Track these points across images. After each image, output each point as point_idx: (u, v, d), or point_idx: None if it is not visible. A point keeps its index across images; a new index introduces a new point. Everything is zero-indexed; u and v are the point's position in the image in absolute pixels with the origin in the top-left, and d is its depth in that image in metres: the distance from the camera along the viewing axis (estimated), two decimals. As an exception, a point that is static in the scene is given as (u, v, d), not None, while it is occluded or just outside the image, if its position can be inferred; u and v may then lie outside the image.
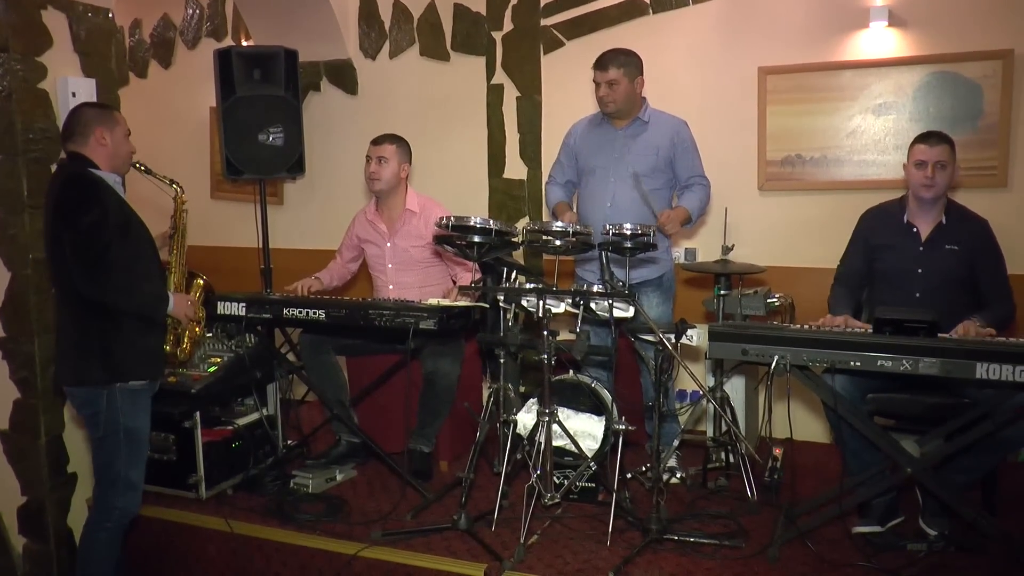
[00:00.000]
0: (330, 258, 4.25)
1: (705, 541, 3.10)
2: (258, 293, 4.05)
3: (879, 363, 2.73)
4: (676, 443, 3.68)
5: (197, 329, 3.39)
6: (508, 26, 4.76)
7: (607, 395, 3.40)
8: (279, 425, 4.02)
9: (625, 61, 3.64)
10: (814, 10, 4.16)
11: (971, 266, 3.25)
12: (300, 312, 3.55)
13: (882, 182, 4.05)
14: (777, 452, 3.60)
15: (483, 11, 4.80)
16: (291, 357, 4.14)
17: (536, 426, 3.16)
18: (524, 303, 3.19)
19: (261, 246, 4.83)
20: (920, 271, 3.28)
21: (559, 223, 3.17)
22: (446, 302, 3.48)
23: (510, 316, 3.28)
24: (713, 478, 3.65)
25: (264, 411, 3.91)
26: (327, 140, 5.27)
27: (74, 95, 3.48)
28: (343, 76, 5.20)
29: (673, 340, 3.17)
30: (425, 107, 5.01)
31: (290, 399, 4.25)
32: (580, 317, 3.16)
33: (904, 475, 2.91)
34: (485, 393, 3.98)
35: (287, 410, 4.14)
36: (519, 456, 3.28)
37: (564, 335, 3.30)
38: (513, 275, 3.30)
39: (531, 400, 3.38)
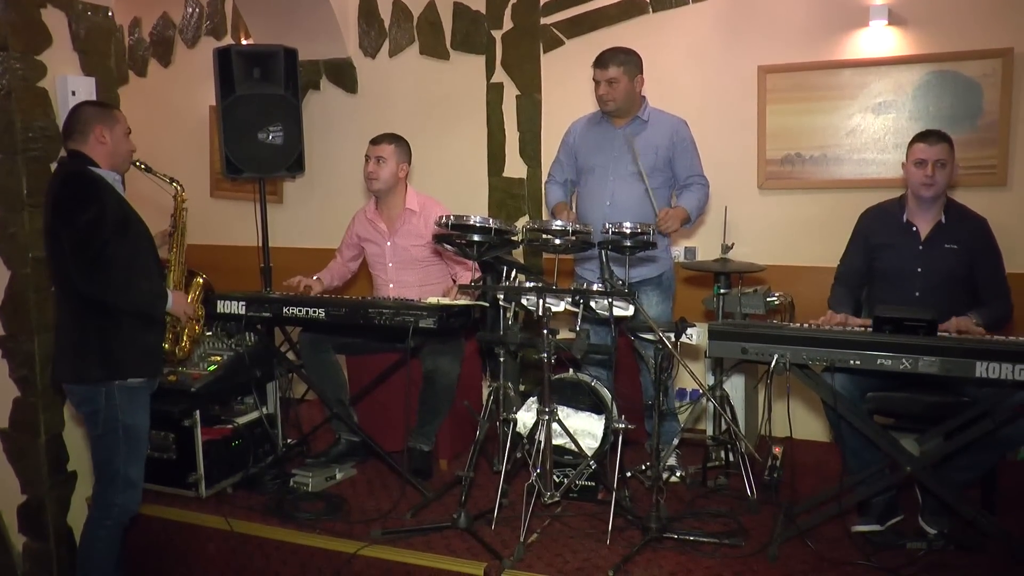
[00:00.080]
0: (330, 257, 4.25)
1: (705, 540, 3.10)
2: (258, 292, 4.05)
3: (879, 362, 2.73)
4: (676, 442, 3.68)
5: (196, 328, 3.40)
6: (508, 25, 4.76)
7: (607, 394, 3.40)
8: (279, 424, 4.02)
9: (625, 60, 3.64)
10: (814, 9, 4.16)
11: (970, 265, 3.25)
12: (300, 311, 3.55)
13: (882, 181, 4.06)
14: (777, 451, 3.60)
15: (483, 10, 4.80)
16: (291, 356, 4.14)
17: (536, 425, 3.16)
18: (524, 302, 3.19)
19: (261, 245, 4.83)
20: (919, 270, 3.29)
21: (558, 221, 3.17)
22: (446, 301, 3.48)
23: (510, 315, 3.28)
24: (713, 477, 3.65)
25: (264, 410, 3.91)
26: (327, 139, 5.27)
27: (73, 94, 3.48)
28: (343, 75, 5.20)
29: (673, 339, 3.17)
30: (425, 106, 5.01)
31: (290, 398, 4.25)
32: (580, 316, 3.16)
33: (903, 473, 2.91)
34: (485, 392, 3.98)
35: (287, 409, 4.13)
36: (519, 455, 3.28)
37: (564, 334, 3.30)
38: (513, 274, 3.30)
39: (531, 399, 3.38)
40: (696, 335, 3.26)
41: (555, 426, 3.13)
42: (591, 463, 3.27)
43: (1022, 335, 2.82)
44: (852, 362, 2.77)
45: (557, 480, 3.25)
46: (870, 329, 2.89)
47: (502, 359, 3.28)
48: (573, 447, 3.26)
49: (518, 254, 4.26)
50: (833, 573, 2.89)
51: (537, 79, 4.75)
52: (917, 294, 3.28)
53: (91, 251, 2.82)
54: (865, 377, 3.11)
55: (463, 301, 3.49)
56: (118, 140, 3.00)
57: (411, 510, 3.43)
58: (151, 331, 3.09)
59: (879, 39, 4.06)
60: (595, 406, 3.43)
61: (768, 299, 3.56)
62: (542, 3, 4.67)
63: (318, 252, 4.69)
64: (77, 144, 2.95)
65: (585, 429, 3.37)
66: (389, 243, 4.01)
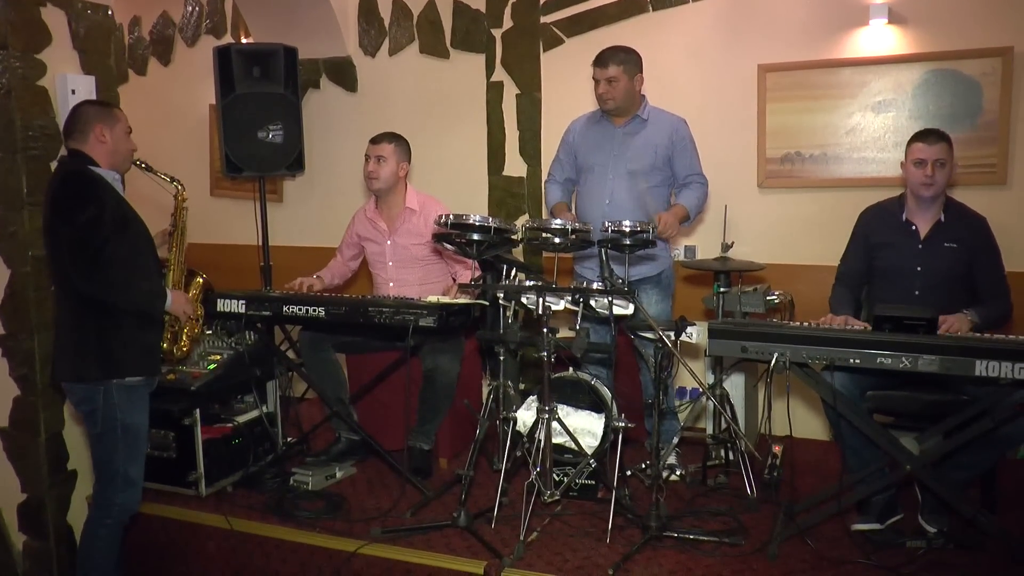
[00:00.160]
0: (330, 255, 4.25)
1: (704, 538, 3.10)
2: (258, 290, 4.05)
3: (878, 360, 2.73)
4: (676, 440, 3.68)
5: (196, 327, 3.39)
6: (508, 23, 4.76)
7: (607, 392, 3.40)
8: (279, 422, 4.02)
9: (625, 58, 3.63)
10: (814, 8, 4.16)
11: (970, 263, 3.26)
12: (300, 309, 3.55)
13: (881, 179, 4.06)
14: (776, 449, 3.60)
15: (483, 8, 4.80)
16: (291, 354, 4.14)
17: (536, 423, 3.16)
18: (524, 300, 3.19)
19: (261, 243, 4.83)
20: (919, 269, 3.29)
21: (557, 220, 3.17)
22: (446, 299, 3.48)
23: (510, 313, 3.28)
24: (713, 475, 3.65)
25: (264, 408, 3.91)
26: (326, 137, 5.27)
27: (73, 92, 3.48)
28: (343, 73, 5.20)
29: (673, 337, 3.17)
30: (425, 104, 5.01)
31: (290, 396, 4.25)
32: (580, 314, 3.16)
33: (903, 472, 2.91)
34: (485, 390, 3.98)
35: (287, 407, 4.13)
36: (519, 453, 3.28)
37: (563, 332, 3.30)
38: (513, 272, 3.30)
39: (531, 397, 3.38)
40: (696, 334, 3.26)
41: (555, 425, 3.13)
42: (591, 462, 3.27)
43: (1022, 334, 2.82)
44: (852, 361, 2.77)
45: (557, 479, 3.25)
46: (870, 328, 2.89)
47: (502, 358, 3.28)
48: (573, 446, 3.26)
49: (518, 253, 4.25)
50: (833, 572, 2.90)
51: (537, 78, 4.74)
52: (917, 293, 3.28)
53: (90, 250, 2.83)
54: (865, 376, 3.11)
55: (463, 300, 3.49)
56: (118, 139, 3.01)
57: (411, 509, 3.43)
58: (150, 330, 3.09)
59: (879, 38, 4.06)
60: (595, 405, 3.43)
61: (768, 298, 3.56)
62: (542, 2, 4.67)
63: (318, 251, 4.69)
64: (77, 143, 2.96)
65: (585, 428, 3.37)
66: (389, 242, 4.01)
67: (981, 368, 2.61)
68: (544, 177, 4.19)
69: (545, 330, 3.06)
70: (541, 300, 3.08)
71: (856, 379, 3.13)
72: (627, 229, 3.08)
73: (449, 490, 3.61)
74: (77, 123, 2.96)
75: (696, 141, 3.79)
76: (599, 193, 3.72)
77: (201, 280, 3.47)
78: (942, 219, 3.29)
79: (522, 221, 4.01)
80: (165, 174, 3.29)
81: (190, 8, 5.60)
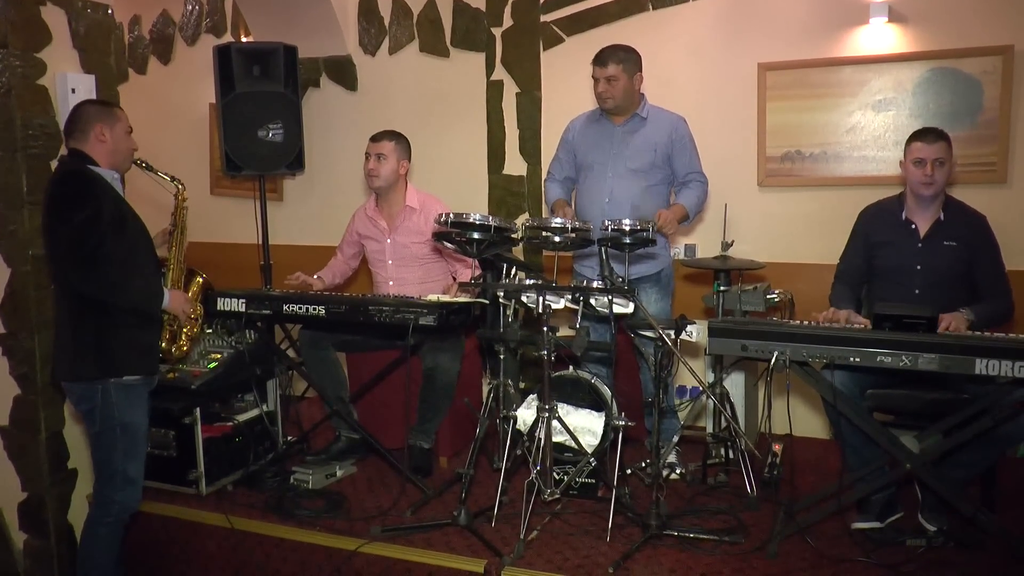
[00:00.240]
0: (330, 254, 4.25)
1: (705, 537, 3.10)
2: (258, 289, 4.05)
3: (879, 359, 2.73)
4: (676, 439, 3.68)
5: (195, 327, 3.39)
6: (508, 22, 4.76)
7: (607, 391, 3.40)
8: (279, 421, 4.02)
9: (624, 57, 3.63)
10: (814, 6, 4.16)
11: (969, 262, 3.25)
12: (300, 308, 3.55)
13: (882, 178, 4.06)
14: (776, 448, 3.61)
15: (483, 7, 4.80)
16: (291, 353, 4.14)
17: (536, 422, 3.16)
18: (524, 299, 3.19)
19: (261, 242, 4.83)
20: (919, 267, 3.29)
21: (558, 219, 3.17)
22: (446, 298, 3.48)
23: (510, 312, 3.28)
24: (713, 474, 3.65)
25: (264, 407, 3.91)
26: (327, 136, 5.27)
27: (73, 91, 3.49)
28: (343, 72, 5.20)
29: (673, 336, 3.17)
30: (425, 103, 5.01)
31: (290, 395, 4.25)
32: (580, 313, 3.16)
33: (903, 471, 2.91)
34: (485, 389, 3.98)
35: (287, 406, 4.13)
36: (519, 452, 3.28)
37: (564, 331, 3.30)
38: (513, 271, 3.30)
39: (531, 396, 3.38)
40: (696, 332, 3.26)
41: (555, 423, 3.13)
42: (591, 460, 3.27)
43: (1022, 332, 2.82)
44: (852, 359, 2.77)
45: (557, 477, 3.25)
46: (870, 326, 2.89)
47: (502, 356, 3.28)
48: (573, 444, 3.27)
49: (518, 251, 4.25)
50: (833, 570, 2.90)
51: (537, 77, 4.74)
52: (917, 291, 3.28)
53: (86, 249, 2.83)
54: (865, 374, 3.11)
55: (463, 298, 3.49)
56: (118, 138, 3.01)
57: (411, 507, 3.43)
58: (148, 329, 3.09)
59: (879, 36, 4.06)
60: (595, 403, 3.43)
61: (768, 296, 3.56)
62: (542, 1, 4.67)
63: (318, 250, 4.69)
64: (77, 142, 2.96)
65: (585, 426, 3.37)
66: (389, 240, 4.01)
67: (981, 367, 2.61)
68: (544, 176, 4.19)
69: (545, 329, 3.06)
70: (541, 299, 3.08)
71: (856, 377, 3.13)
72: (627, 228, 3.08)
73: (449, 489, 3.61)
74: (77, 122, 2.97)
75: (696, 140, 3.79)
76: (599, 192, 3.72)
77: (201, 280, 3.47)
78: (941, 218, 3.29)
79: (522, 220, 4.01)
80: (165, 173, 3.29)
81: (190, 7, 5.60)
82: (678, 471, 3.68)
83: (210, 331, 3.87)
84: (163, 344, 3.25)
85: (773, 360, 2.84)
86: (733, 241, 3.74)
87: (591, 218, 3.48)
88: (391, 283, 4.03)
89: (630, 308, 3.17)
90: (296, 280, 3.92)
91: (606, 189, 3.70)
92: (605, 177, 3.72)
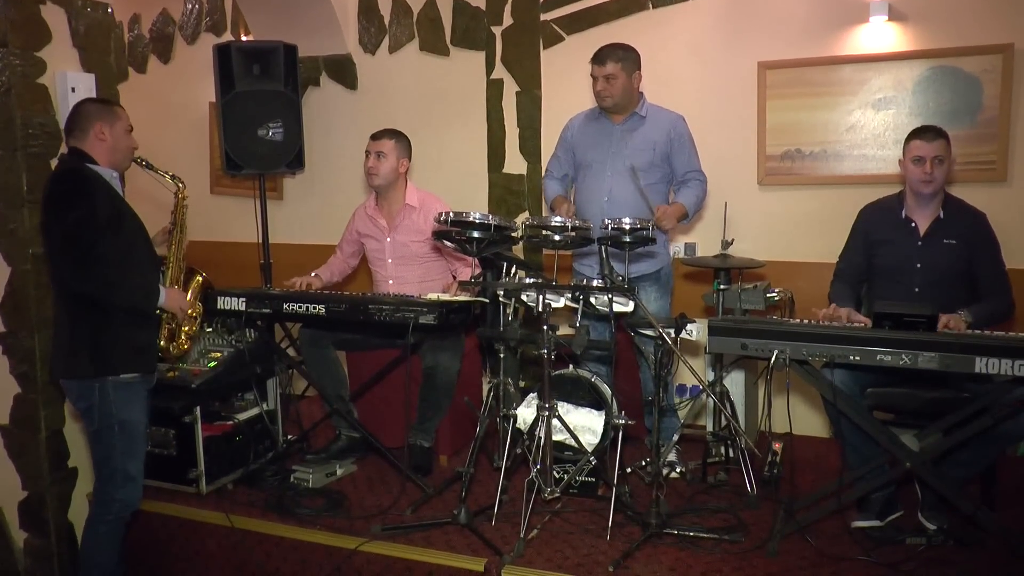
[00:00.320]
0: (330, 253, 4.25)
1: (705, 535, 3.10)
2: (258, 288, 4.05)
3: (878, 357, 2.73)
4: (676, 438, 3.68)
5: (193, 326, 3.38)
6: (508, 21, 4.76)
7: (607, 390, 3.40)
8: (279, 420, 4.02)
9: (623, 56, 3.63)
10: (814, 5, 4.16)
11: (969, 260, 3.25)
12: (300, 307, 3.55)
13: (882, 176, 4.06)
14: (776, 446, 3.61)
15: (482, 6, 4.80)
16: (291, 352, 4.14)
17: (536, 421, 3.16)
18: (524, 298, 3.19)
19: (261, 241, 4.83)
20: (919, 266, 3.29)
21: (557, 218, 3.17)
22: (446, 297, 3.48)
23: (510, 311, 3.28)
24: (713, 472, 3.65)
25: (264, 406, 3.91)
26: (326, 135, 5.27)
27: (73, 90, 3.49)
28: (342, 71, 5.20)
29: (673, 335, 3.17)
30: (425, 102, 5.01)
31: (290, 394, 4.25)
32: (579, 312, 3.16)
33: (903, 469, 2.91)
34: (485, 388, 3.98)
35: (287, 405, 4.13)
36: (519, 451, 3.28)
37: (563, 330, 3.30)
38: (513, 270, 3.30)
39: (531, 395, 3.38)
40: (696, 331, 3.26)
41: (555, 422, 3.13)
42: (591, 459, 3.27)
43: (1022, 331, 2.82)
44: (852, 358, 2.77)
45: (557, 476, 3.25)
46: (870, 325, 2.89)
47: (502, 355, 3.28)
48: (573, 443, 3.27)
49: (518, 250, 4.25)
50: (832, 568, 2.90)
51: (537, 75, 4.74)
52: (917, 290, 3.28)
53: (79, 248, 2.83)
54: (865, 373, 3.11)
55: (463, 297, 3.49)
56: (118, 137, 3.01)
57: (411, 506, 3.43)
58: (144, 327, 3.09)
59: (879, 35, 4.06)
60: (595, 402, 3.43)
61: (768, 295, 3.56)
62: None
63: (318, 248, 4.69)
64: (77, 141, 2.97)
65: (585, 425, 3.37)
66: (389, 239, 4.02)
67: (981, 365, 2.61)
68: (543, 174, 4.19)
69: (545, 327, 3.06)
70: (541, 297, 3.08)
71: (856, 376, 3.13)
72: (627, 226, 3.07)
73: (449, 487, 3.61)
74: (77, 121, 2.97)
75: (696, 138, 3.80)
76: (598, 190, 3.73)
77: (200, 278, 3.46)
78: (941, 216, 3.29)
79: (522, 218, 4.01)
80: (165, 172, 3.29)
81: (190, 6, 5.60)
82: (678, 470, 3.68)
83: (210, 330, 3.87)
84: (161, 342, 3.24)
85: (773, 358, 2.84)
86: (733, 240, 3.74)
87: (590, 216, 3.49)
88: (391, 282, 4.03)
89: (630, 307, 3.18)
90: (293, 285, 3.92)
91: (605, 188, 3.70)
92: (604, 176, 3.72)
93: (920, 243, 3.29)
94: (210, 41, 5.32)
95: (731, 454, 3.68)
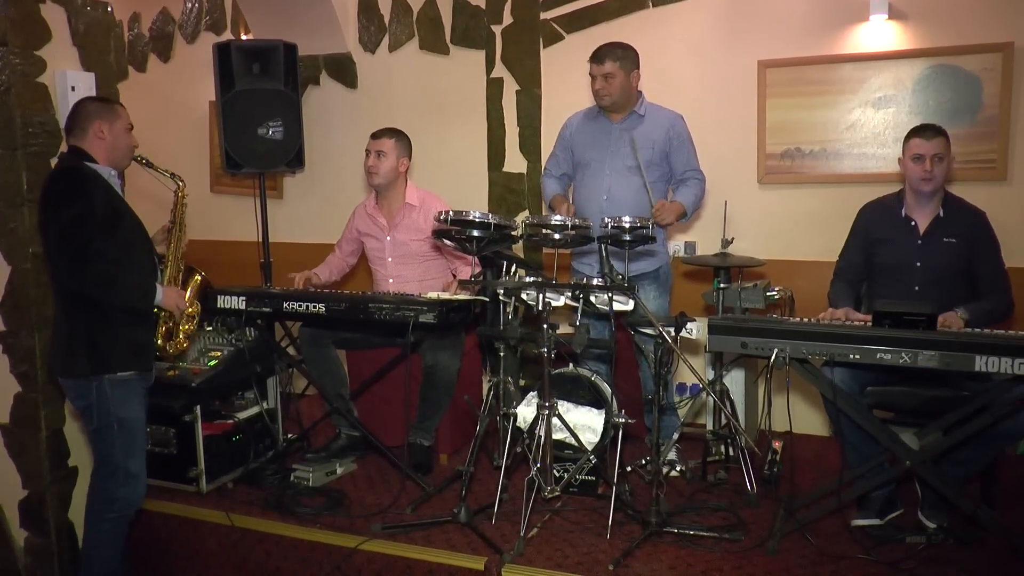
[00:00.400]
0: (330, 252, 4.25)
1: (705, 534, 3.10)
2: (258, 287, 4.05)
3: (878, 356, 2.73)
4: (676, 436, 3.69)
5: (191, 325, 3.36)
6: (508, 19, 4.76)
7: (607, 388, 3.40)
8: (279, 419, 4.03)
9: (622, 55, 3.63)
10: (814, 3, 4.16)
11: (969, 258, 3.25)
12: (300, 306, 3.55)
13: (882, 175, 4.06)
14: (776, 445, 3.61)
15: (482, 4, 4.80)
16: (291, 351, 4.14)
17: (536, 419, 3.16)
18: (524, 296, 3.19)
19: (261, 240, 4.83)
20: (919, 264, 3.29)
21: (557, 216, 3.17)
22: (446, 295, 3.48)
23: (510, 310, 3.28)
24: (713, 471, 3.66)
25: (264, 405, 3.92)
26: (326, 134, 5.27)
27: (73, 89, 3.48)
28: (342, 70, 5.20)
29: (673, 333, 3.17)
30: (425, 101, 5.01)
31: (290, 393, 4.25)
32: (579, 310, 3.16)
33: (903, 468, 2.91)
34: (485, 386, 3.98)
35: (287, 404, 4.14)
36: (519, 449, 3.28)
37: (563, 328, 3.30)
38: (512, 269, 3.30)
39: (531, 393, 3.38)
40: (696, 330, 3.26)
41: (555, 421, 3.13)
42: (591, 458, 3.27)
43: (1022, 329, 2.82)
44: (852, 356, 2.77)
45: (557, 475, 3.25)
46: (870, 324, 2.89)
47: (502, 354, 3.28)
48: (573, 442, 3.27)
49: (518, 249, 4.25)
50: (832, 567, 2.90)
51: (537, 74, 4.74)
52: (917, 288, 3.28)
53: (74, 246, 2.84)
54: (865, 371, 3.12)
55: (463, 296, 3.49)
56: (118, 136, 3.01)
57: (411, 505, 3.43)
58: (141, 326, 3.08)
59: (879, 33, 4.06)
60: (595, 401, 3.43)
61: (768, 293, 3.55)
62: (541, -2, 4.68)
63: (318, 247, 4.68)
64: (77, 139, 2.98)
65: (585, 424, 3.37)
66: (389, 238, 4.02)
67: (981, 363, 2.61)
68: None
69: (545, 326, 3.06)
70: (541, 296, 3.08)
71: (856, 375, 3.13)
72: (627, 225, 3.07)
73: (449, 486, 3.61)
74: (77, 120, 2.98)
75: (696, 137, 3.80)
76: (597, 189, 3.73)
77: (199, 278, 3.45)
78: (941, 214, 3.29)
79: (522, 217, 4.01)
80: (165, 170, 3.29)
81: (190, 5, 5.60)
82: (678, 468, 3.68)
83: (210, 329, 3.87)
84: (159, 341, 3.24)
85: (773, 357, 2.84)
86: (733, 238, 3.74)
87: (589, 215, 3.49)
88: (391, 280, 4.03)
89: (630, 305, 3.18)
90: (293, 280, 3.92)
91: (604, 186, 3.71)
92: (603, 174, 3.72)
93: (920, 242, 3.29)
94: (210, 40, 5.33)
95: (731, 453, 3.68)
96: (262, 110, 4.60)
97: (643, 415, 3.84)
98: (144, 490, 3.13)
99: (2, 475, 3.50)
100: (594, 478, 3.46)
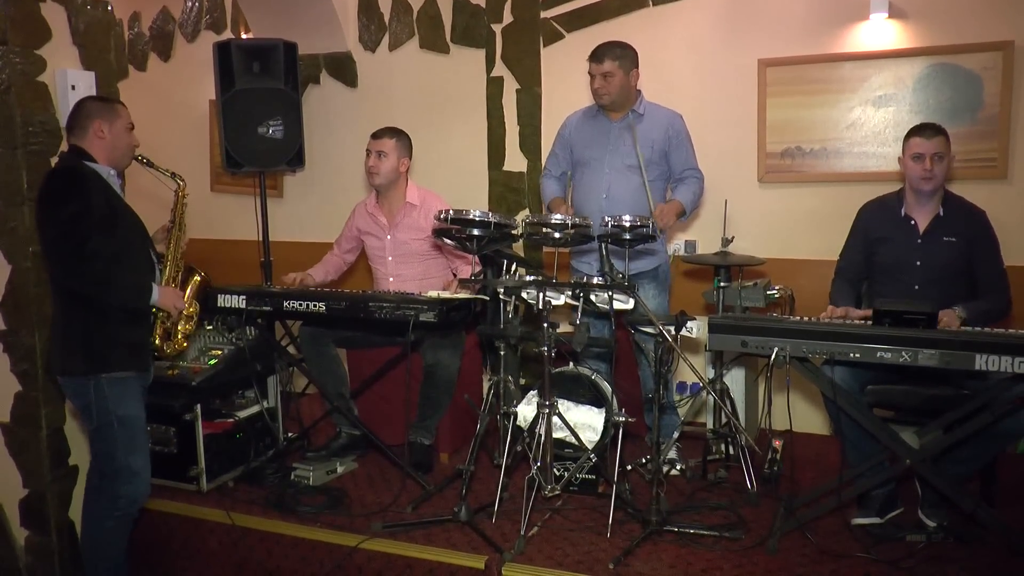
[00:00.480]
0: (329, 251, 4.25)
1: (705, 532, 3.10)
2: (258, 285, 4.05)
3: (878, 354, 2.73)
4: (676, 435, 3.69)
5: (189, 325, 3.35)
6: (508, 18, 4.75)
7: (607, 387, 3.40)
8: (279, 417, 4.03)
9: (621, 54, 3.64)
10: (814, 2, 4.16)
11: (969, 257, 3.25)
12: (300, 305, 3.55)
13: (882, 174, 4.05)
14: (777, 444, 3.61)
15: (483, 3, 4.80)
16: (291, 349, 4.14)
17: (536, 418, 3.16)
18: (524, 295, 3.20)
19: (261, 239, 4.83)
20: (919, 263, 3.29)
21: (558, 215, 3.17)
22: (446, 294, 3.48)
23: (510, 308, 3.28)
24: (713, 470, 3.66)
25: (265, 403, 3.92)
26: (327, 133, 5.27)
27: (73, 88, 3.48)
28: (343, 69, 5.20)
29: (673, 332, 3.17)
30: (425, 100, 5.01)
31: (290, 391, 4.26)
32: (580, 309, 3.16)
33: (903, 466, 2.91)
34: (485, 385, 3.98)
35: (287, 402, 4.14)
36: (519, 448, 3.29)
37: (564, 327, 3.30)
38: (513, 267, 3.30)
39: (531, 392, 3.38)
40: (696, 328, 3.26)
41: (555, 419, 3.14)
42: (591, 456, 3.28)
43: (1021, 328, 2.82)
44: (852, 355, 2.77)
45: (557, 473, 3.26)
46: (870, 322, 2.89)
47: (502, 353, 3.28)
48: (573, 440, 3.27)
49: (518, 248, 4.26)
50: (833, 565, 2.90)
51: (537, 73, 4.74)
52: (917, 287, 3.28)
53: (70, 245, 2.84)
54: (865, 370, 3.12)
55: (463, 295, 3.49)
56: (118, 135, 3.01)
57: (412, 503, 3.43)
58: (137, 325, 3.08)
59: (879, 32, 4.06)
60: (595, 399, 3.43)
61: (768, 292, 3.55)
62: (541, -3, 4.68)
63: (318, 246, 4.68)
64: (77, 139, 2.98)
65: (585, 422, 3.37)
66: (389, 237, 4.02)
67: (981, 362, 2.61)
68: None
69: (545, 325, 3.06)
70: (541, 295, 3.08)
71: (856, 373, 3.13)
72: (627, 224, 3.07)
73: (450, 485, 3.62)
74: (78, 119, 2.98)
75: (696, 136, 3.80)
76: (596, 187, 3.73)
77: (199, 278, 3.43)
78: (941, 213, 3.29)
79: (522, 216, 4.01)
80: (166, 170, 3.28)
81: (190, 3, 5.60)
82: (678, 467, 3.69)
83: (210, 328, 3.87)
84: (156, 341, 3.22)
85: (773, 356, 2.84)
86: (733, 237, 3.74)
87: (588, 214, 3.48)
88: (391, 279, 4.03)
89: (630, 304, 3.18)
90: (290, 279, 3.92)
91: (603, 185, 3.71)
92: (602, 173, 3.72)
93: (920, 241, 3.29)
94: (210, 39, 5.33)
95: (731, 451, 3.68)
96: (262, 109, 4.60)
97: (643, 414, 3.84)
98: (147, 488, 3.13)
99: (3, 474, 3.50)
100: (594, 477, 3.46)
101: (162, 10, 5.69)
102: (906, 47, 4.01)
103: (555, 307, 3.15)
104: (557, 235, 3.08)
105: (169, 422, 3.59)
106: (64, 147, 3.13)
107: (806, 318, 3.05)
